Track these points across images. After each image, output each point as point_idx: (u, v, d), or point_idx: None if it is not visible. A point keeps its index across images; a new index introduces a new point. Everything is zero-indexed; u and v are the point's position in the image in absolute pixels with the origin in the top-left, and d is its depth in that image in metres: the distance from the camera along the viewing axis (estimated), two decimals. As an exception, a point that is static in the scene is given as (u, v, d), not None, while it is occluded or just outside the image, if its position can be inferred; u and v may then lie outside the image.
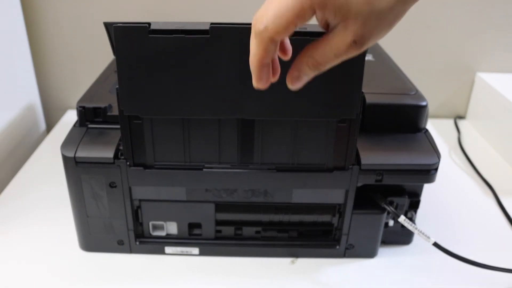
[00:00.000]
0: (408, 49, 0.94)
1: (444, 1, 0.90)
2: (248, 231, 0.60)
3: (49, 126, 0.97)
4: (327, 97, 0.48)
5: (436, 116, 1.00)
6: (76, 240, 0.59)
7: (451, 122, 0.99)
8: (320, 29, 0.45)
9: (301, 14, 0.32)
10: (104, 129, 0.55)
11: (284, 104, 0.48)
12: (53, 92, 0.98)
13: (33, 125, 0.90)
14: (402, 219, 0.54)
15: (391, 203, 0.56)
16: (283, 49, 0.38)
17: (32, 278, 0.55)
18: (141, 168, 0.52)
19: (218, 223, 0.59)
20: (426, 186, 0.57)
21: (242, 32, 0.44)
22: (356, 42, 0.33)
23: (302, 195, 0.56)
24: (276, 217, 0.58)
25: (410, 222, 0.54)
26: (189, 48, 0.45)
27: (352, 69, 0.46)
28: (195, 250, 0.59)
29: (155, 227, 0.58)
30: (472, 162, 0.82)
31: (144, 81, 0.47)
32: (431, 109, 0.98)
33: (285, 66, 0.39)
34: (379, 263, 0.58)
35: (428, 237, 0.54)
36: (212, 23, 0.44)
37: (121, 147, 0.52)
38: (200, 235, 0.59)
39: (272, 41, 0.33)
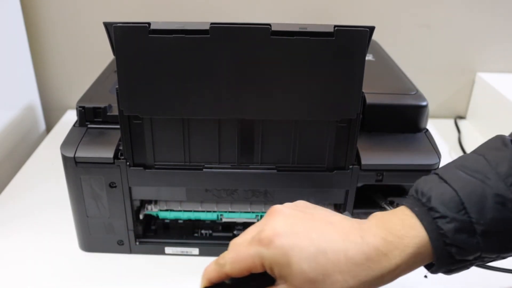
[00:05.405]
0: (408, 49, 0.94)
1: (444, 1, 0.90)
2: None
3: (49, 126, 0.97)
4: (327, 97, 0.48)
5: (437, 116, 1.00)
6: (76, 241, 0.59)
7: (451, 122, 0.99)
8: (320, 29, 0.45)
9: (252, 268, 0.37)
10: (104, 129, 0.55)
11: (284, 104, 0.48)
12: (53, 92, 0.98)
13: (33, 125, 0.90)
14: (402, 219, 0.54)
15: (391, 203, 0.55)
16: None
17: (32, 278, 0.55)
18: (141, 168, 0.52)
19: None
20: (426, 186, 0.57)
21: (242, 32, 0.44)
22: None
23: (302, 195, 0.56)
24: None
25: (410, 222, 0.54)
26: (189, 48, 0.45)
27: (352, 69, 0.46)
28: (195, 250, 0.59)
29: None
30: (472, 162, 0.82)
31: (144, 81, 0.47)
32: (431, 109, 0.98)
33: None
34: (379, 263, 0.58)
35: (429, 237, 0.54)
36: (212, 23, 0.44)
37: (121, 147, 0.52)
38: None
39: (225, 274, 0.38)
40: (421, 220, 0.36)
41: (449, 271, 0.37)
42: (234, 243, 0.39)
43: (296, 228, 0.36)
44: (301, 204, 0.40)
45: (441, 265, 0.36)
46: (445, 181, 0.37)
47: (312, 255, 0.35)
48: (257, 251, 0.36)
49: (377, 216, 0.38)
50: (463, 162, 0.38)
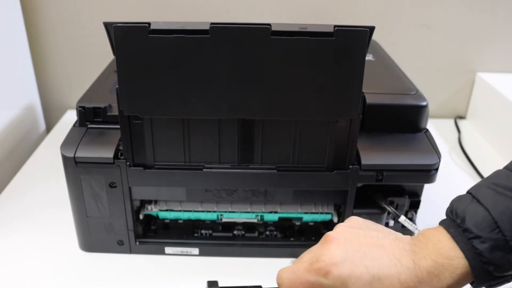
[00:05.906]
0: (408, 49, 0.94)
1: (444, 1, 0.90)
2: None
3: (49, 126, 0.97)
4: (327, 97, 0.48)
5: (436, 116, 1.00)
6: (76, 241, 0.59)
7: (451, 122, 0.99)
8: (320, 29, 0.45)
9: None
10: (104, 129, 0.55)
11: (284, 104, 0.48)
12: (53, 92, 0.98)
13: (33, 125, 0.90)
14: (402, 219, 0.54)
15: (391, 203, 0.55)
16: None
17: (32, 279, 0.55)
18: (141, 168, 0.52)
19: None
20: (427, 186, 0.57)
21: (242, 32, 0.44)
22: None
23: (302, 195, 0.56)
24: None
25: (411, 222, 0.54)
26: (189, 48, 0.45)
27: (352, 69, 0.46)
28: (195, 250, 0.59)
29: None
30: (472, 162, 0.82)
31: (144, 81, 0.47)
32: (431, 109, 0.98)
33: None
34: (379, 263, 0.58)
35: (429, 237, 0.54)
36: (212, 23, 0.44)
37: (121, 147, 0.52)
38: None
39: None
40: (457, 241, 0.37)
41: (490, 286, 0.38)
42: (295, 263, 0.41)
43: (351, 255, 0.38)
44: (353, 223, 0.42)
45: (481, 282, 0.37)
46: (478, 201, 0.38)
47: (368, 282, 0.36)
48: (316, 279, 0.38)
49: (426, 235, 0.39)
50: (495, 179, 0.39)
